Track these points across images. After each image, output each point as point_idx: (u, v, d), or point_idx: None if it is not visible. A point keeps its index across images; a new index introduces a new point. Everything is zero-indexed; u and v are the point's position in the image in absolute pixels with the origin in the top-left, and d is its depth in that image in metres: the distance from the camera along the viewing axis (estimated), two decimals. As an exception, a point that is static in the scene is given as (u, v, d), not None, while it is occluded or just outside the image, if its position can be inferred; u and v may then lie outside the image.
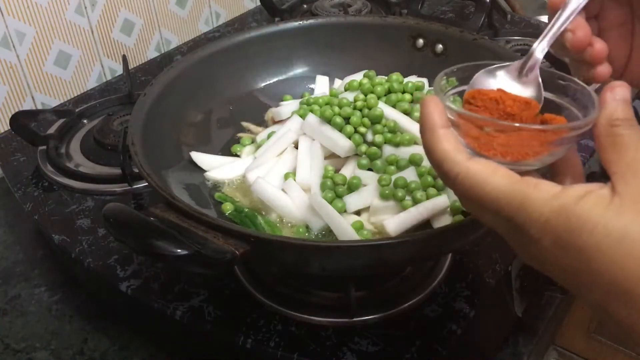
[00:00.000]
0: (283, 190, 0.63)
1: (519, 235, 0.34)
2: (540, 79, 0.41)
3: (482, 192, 0.34)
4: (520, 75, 0.41)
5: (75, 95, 1.05)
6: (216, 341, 0.62)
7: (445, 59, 0.76)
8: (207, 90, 0.74)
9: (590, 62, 0.41)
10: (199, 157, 0.69)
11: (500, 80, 0.41)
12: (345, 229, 0.58)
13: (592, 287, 0.32)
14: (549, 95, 0.41)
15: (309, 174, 0.64)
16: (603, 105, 0.35)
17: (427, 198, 0.60)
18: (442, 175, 0.37)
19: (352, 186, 0.63)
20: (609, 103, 0.35)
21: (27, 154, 0.89)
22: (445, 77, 0.42)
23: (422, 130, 0.38)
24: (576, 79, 0.40)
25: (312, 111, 0.70)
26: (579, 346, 1.24)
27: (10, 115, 0.85)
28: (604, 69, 0.41)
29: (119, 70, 1.10)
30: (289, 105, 0.75)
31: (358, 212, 0.62)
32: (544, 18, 1.30)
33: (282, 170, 0.66)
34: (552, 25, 0.40)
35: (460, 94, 0.42)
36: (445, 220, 0.59)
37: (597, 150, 0.35)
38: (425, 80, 0.74)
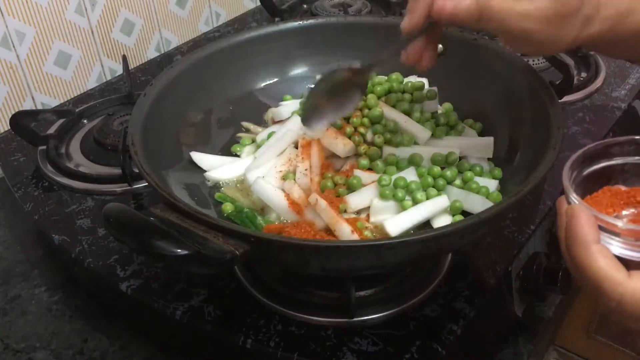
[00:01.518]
0: (283, 190, 0.63)
1: None
2: None
3: None
4: None
5: (75, 95, 1.05)
6: (216, 341, 0.62)
7: (445, 59, 0.76)
8: (207, 90, 0.74)
9: None
10: (199, 157, 0.69)
11: None
12: (345, 229, 0.58)
13: None
14: None
15: (309, 174, 0.64)
16: None
17: (427, 198, 0.60)
18: (602, 294, 0.36)
19: (352, 186, 0.63)
20: None
21: (27, 154, 0.88)
22: (570, 171, 0.42)
23: (570, 244, 0.38)
24: None
25: (312, 111, 0.70)
26: (579, 346, 1.24)
27: (10, 115, 0.85)
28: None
29: (119, 70, 1.10)
30: (289, 106, 0.75)
31: (358, 212, 0.62)
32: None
33: (282, 170, 0.66)
34: None
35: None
36: (445, 220, 0.59)
37: None
38: (425, 80, 0.74)
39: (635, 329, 0.37)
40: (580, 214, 0.37)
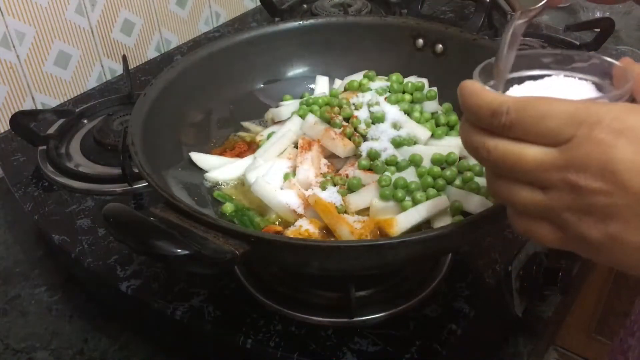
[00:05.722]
0: (283, 190, 0.63)
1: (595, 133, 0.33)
2: None
3: (549, 106, 0.34)
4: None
5: (75, 95, 1.05)
6: (216, 341, 0.62)
7: (445, 59, 0.76)
8: (207, 90, 0.74)
9: None
10: (199, 158, 0.69)
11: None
12: (345, 229, 0.58)
13: None
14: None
15: (308, 174, 0.64)
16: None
17: (427, 198, 0.60)
18: (493, 115, 0.36)
19: (352, 186, 0.63)
20: None
21: (27, 154, 0.88)
22: (478, 73, 0.42)
23: (462, 97, 0.38)
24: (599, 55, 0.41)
25: (312, 111, 0.70)
26: (579, 346, 1.24)
27: (10, 115, 0.85)
28: None
29: (119, 70, 1.10)
30: (289, 106, 0.75)
31: (358, 212, 0.63)
32: (545, 18, 1.30)
33: (282, 170, 0.66)
34: None
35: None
36: (445, 220, 0.59)
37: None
38: (425, 80, 0.74)
39: (528, 134, 0.35)
40: (465, 82, 0.38)
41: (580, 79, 0.41)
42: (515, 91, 0.42)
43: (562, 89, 0.41)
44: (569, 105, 0.34)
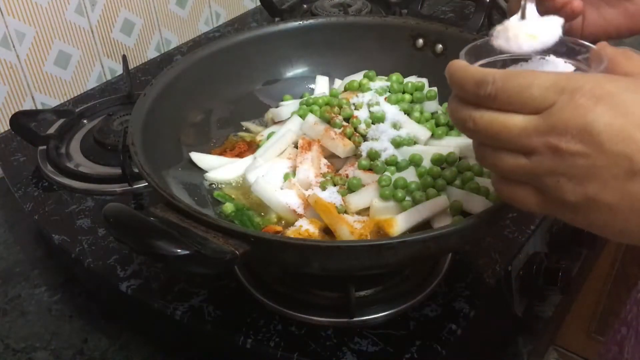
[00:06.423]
0: (283, 190, 0.63)
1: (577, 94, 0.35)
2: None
3: (532, 76, 0.36)
4: None
5: (75, 95, 1.05)
6: (216, 341, 0.62)
7: (445, 59, 0.76)
8: (207, 90, 0.74)
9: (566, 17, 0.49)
10: (199, 158, 0.69)
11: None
12: (345, 229, 0.58)
13: None
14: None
15: (308, 174, 0.64)
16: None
17: (427, 198, 0.60)
18: (478, 85, 0.38)
19: (352, 186, 0.63)
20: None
21: (27, 154, 0.88)
22: (465, 53, 0.45)
23: (449, 74, 0.40)
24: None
25: (312, 111, 0.70)
26: (579, 346, 1.24)
27: (10, 115, 0.85)
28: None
29: (119, 70, 1.10)
30: (289, 106, 0.75)
31: (358, 212, 0.62)
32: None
33: (282, 170, 0.66)
34: None
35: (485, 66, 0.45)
36: (445, 220, 0.59)
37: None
38: (425, 80, 0.74)
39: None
40: (452, 62, 0.41)
41: (566, 62, 0.44)
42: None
43: (547, 68, 0.43)
44: (551, 75, 0.36)
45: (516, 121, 0.37)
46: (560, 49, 0.44)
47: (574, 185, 0.35)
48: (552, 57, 0.43)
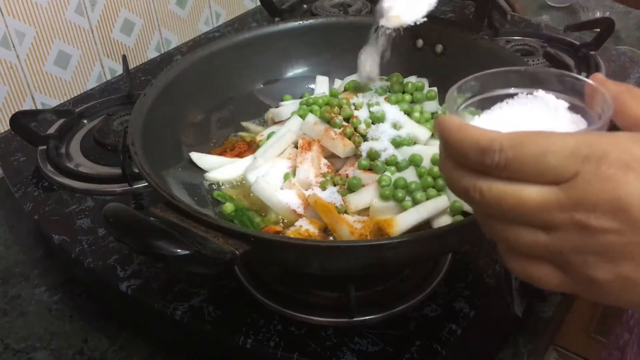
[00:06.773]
0: (283, 190, 0.63)
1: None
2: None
3: (548, 141, 0.31)
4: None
5: (75, 95, 1.05)
6: (216, 341, 0.62)
7: (445, 59, 0.76)
8: (207, 90, 0.74)
9: None
10: (199, 158, 0.69)
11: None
12: (345, 229, 0.58)
13: None
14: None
15: (308, 174, 0.64)
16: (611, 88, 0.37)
17: (427, 199, 0.60)
18: (484, 153, 0.32)
19: (352, 186, 0.63)
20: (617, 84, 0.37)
21: (27, 154, 0.88)
22: (456, 92, 0.40)
23: (442, 135, 0.34)
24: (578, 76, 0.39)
25: (312, 111, 0.70)
26: (579, 346, 1.24)
27: (10, 115, 0.85)
28: None
29: (119, 70, 1.10)
30: (289, 106, 0.75)
31: (358, 212, 0.62)
32: (545, 18, 1.30)
33: (282, 170, 0.66)
34: None
35: (476, 104, 0.40)
36: (445, 220, 0.60)
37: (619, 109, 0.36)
38: (425, 81, 0.74)
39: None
40: (442, 118, 0.34)
41: (558, 97, 0.39)
42: (486, 119, 0.39)
43: (536, 112, 0.38)
44: (569, 139, 0.31)
45: (533, 194, 0.32)
46: (550, 82, 0.39)
47: (605, 264, 0.31)
48: (541, 92, 0.39)
